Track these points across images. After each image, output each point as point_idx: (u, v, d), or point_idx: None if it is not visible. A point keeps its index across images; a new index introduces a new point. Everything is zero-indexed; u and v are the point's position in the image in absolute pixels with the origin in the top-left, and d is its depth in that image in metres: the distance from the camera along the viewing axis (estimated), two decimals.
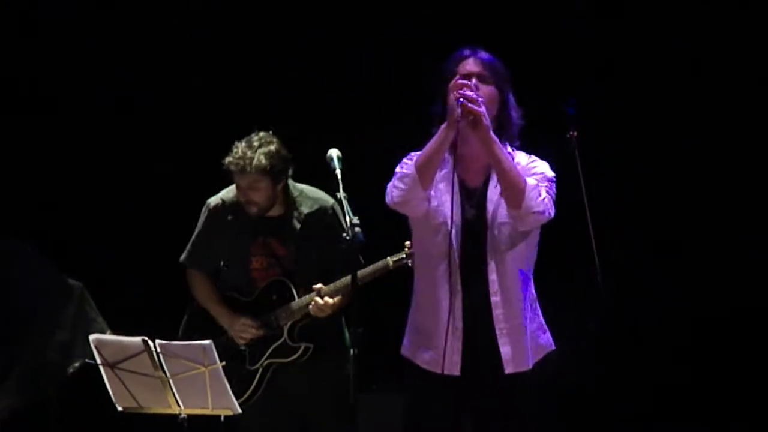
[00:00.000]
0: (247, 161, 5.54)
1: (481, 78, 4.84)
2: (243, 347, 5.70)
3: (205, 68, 7.36)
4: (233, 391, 5.39)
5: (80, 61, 7.35)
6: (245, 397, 5.63)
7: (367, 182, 5.16)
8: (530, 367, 4.85)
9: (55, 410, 6.35)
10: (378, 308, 5.51)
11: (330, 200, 5.72)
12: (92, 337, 5.19)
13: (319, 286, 5.55)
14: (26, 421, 6.27)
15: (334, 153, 5.30)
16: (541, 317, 4.95)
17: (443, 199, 4.88)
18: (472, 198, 4.90)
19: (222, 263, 5.82)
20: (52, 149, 7.36)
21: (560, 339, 4.98)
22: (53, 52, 7.34)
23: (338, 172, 5.22)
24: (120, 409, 5.22)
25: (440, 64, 4.93)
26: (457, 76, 4.80)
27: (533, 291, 4.93)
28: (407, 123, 5.18)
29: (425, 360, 4.93)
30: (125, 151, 7.38)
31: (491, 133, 4.72)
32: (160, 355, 5.06)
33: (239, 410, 5.13)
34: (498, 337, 4.82)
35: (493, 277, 4.82)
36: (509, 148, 4.88)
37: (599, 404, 6.44)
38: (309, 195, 5.74)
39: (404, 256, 5.36)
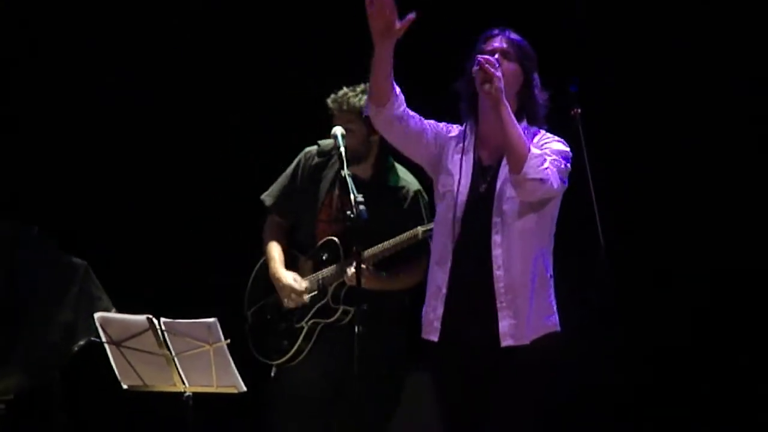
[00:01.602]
0: (346, 99, 5.64)
1: (504, 54, 4.89)
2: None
3: (203, 68, 7.36)
4: (281, 348, 5.60)
5: (80, 53, 7.37)
6: (292, 353, 5.67)
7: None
8: (528, 342, 4.83)
9: (60, 389, 6.36)
10: None
11: (416, 186, 5.75)
12: (97, 315, 5.22)
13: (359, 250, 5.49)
14: (32, 400, 6.29)
15: (338, 131, 5.37)
16: (551, 298, 4.92)
17: (455, 170, 4.92)
18: (485, 174, 4.92)
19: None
20: (53, 133, 7.36)
21: (563, 316, 4.97)
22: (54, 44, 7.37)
23: (342, 149, 5.28)
24: (125, 387, 5.25)
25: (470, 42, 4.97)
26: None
27: (546, 270, 4.90)
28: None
29: (428, 327, 4.96)
30: (129, 134, 7.38)
31: (503, 96, 4.73)
32: (165, 333, 5.09)
33: (244, 388, 5.15)
34: (498, 310, 4.82)
35: (497, 251, 4.82)
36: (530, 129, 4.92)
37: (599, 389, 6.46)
38: (399, 173, 5.75)
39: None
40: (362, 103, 5.55)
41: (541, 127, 4.96)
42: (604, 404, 6.49)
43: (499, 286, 4.83)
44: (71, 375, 6.38)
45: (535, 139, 4.90)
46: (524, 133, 4.83)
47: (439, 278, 4.91)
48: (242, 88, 7.30)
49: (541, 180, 4.74)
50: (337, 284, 5.66)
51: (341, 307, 5.65)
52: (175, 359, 5.11)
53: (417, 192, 5.75)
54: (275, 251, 5.84)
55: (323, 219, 5.77)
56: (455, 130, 5.05)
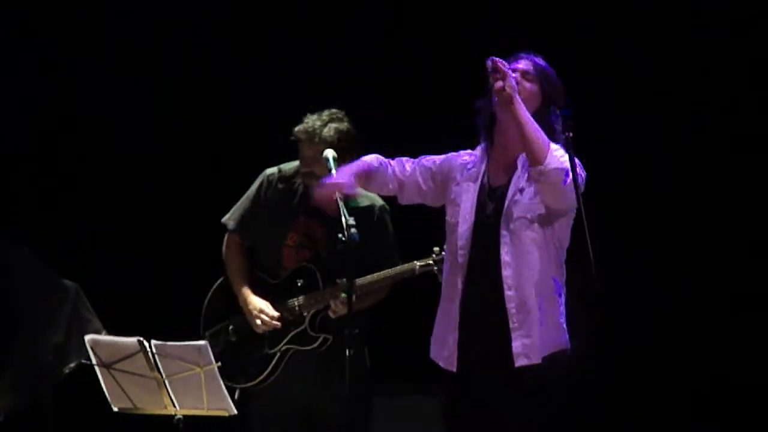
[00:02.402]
0: (317, 131, 5.63)
1: (524, 74, 4.95)
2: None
3: (201, 67, 7.37)
4: (249, 372, 5.57)
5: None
6: (260, 379, 5.66)
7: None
8: (539, 361, 4.84)
9: (51, 411, 6.33)
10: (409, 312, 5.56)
11: (380, 201, 5.77)
12: (88, 337, 5.21)
13: (342, 281, 5.57)
14: (22, 423, 6.26)
15: (329, 154, 5.36)
16: (562, 317, 4.92)
17: (459, 198, 4.96)
18: (492, 196, 4.95)
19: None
20: (45, 149, 7.36)
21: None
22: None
23: (334, 173, 5.28)
24: (116, 409, 5.24)
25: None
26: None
27: (556, 288, 4.91)
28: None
29: (443, 359, 4.95)
30: (120, 153, 7.39)
31: (515, 93, 4.76)
32: (156, 356, 5.08)
33: (234, 411, 5.14)
34: (511, 330, 4.83)
35: (507, 272, 4.84)
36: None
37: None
38: (363, 192, 5.72)
39: (431, 262, 5.42)
40: (332, 133, 5.60)
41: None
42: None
43: (511, 306, 4.85)
44: (62, 397, 6.35)
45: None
46: None
47: (451, 305, 4.92)
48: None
49: (563, 170, 4.74)
50: (315, 311, 5.66)
51: (321, 336, 5.65)
52: (166, 382, 5.10)
53: (382, 207, 5.77)
54: (241, 274, 5.83)
55: (289, 244, 5.77)
56: (465, 155, 5.06)
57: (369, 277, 5.55)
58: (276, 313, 5.69)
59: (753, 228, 6.79)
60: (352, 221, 4.94)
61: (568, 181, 4.73)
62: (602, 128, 6.59)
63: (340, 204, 5.07)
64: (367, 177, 5.05)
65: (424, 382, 5.44)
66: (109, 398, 5.20)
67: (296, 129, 5.68)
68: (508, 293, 4.83)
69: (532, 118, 4.79)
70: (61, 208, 7.30)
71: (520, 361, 4.82)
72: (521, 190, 4.91)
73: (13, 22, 7.41)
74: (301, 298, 5.69)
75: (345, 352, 5.04)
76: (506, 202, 4.90)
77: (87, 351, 5.17)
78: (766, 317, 6.75)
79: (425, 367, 5.08)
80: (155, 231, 7.25)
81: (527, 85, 4.93)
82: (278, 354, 5.68)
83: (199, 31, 7.41)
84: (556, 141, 4.90)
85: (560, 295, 4.92)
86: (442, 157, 5.11)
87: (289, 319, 5.69)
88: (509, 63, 4.94)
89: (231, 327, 5.79)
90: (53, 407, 6.32)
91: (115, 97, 7.39)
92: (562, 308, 4.93)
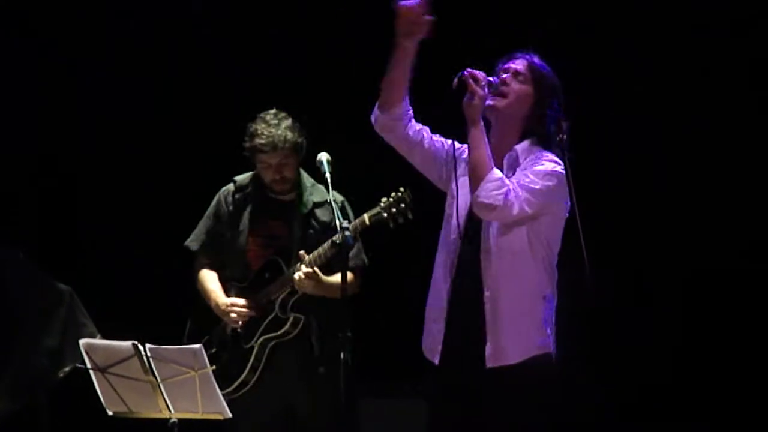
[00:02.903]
0: (278, 139, 5.65)
1: (517, 75, 4.89)
2: (239, 329, 5.71)
3: (199, 68, 7.37)
4: (230, 374, 5.57)
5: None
6: (243, 377, 5.67)
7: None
8: (512, 363, 4.79)
9: (46, 415, 6.34)
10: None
11: (340, 198, 5.76)
12: (82, 341, 5.19)
13: (302, 253, 5.58)
14: (17, 427, 6.26)
15: (323, 157, 5.37)
16: (545, 320, 4.86)
17: (460, 191, 4.90)
18: None
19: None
20: (42, 151, 7.36)
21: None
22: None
23: (328, 175, 5.29)
24: (110, 413, 5.22)
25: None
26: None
27: (541, 291, 4.86)
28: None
29: (427, 349, 4.95)
30: (117, 155, 7.39)
31: (478, 114, 4.74)
32: (150, 359, 5.06)
33: (229, 414, 5.12)
34: (486, 331, 4.80)
35: (486, 273, 4.82)
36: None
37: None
38: (320, 188, 5.78)
39: (379, 210, 5.38)
40: (290, 135, 5.66)
41: (545, 149, 4.89)
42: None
43: (487, 307, 4.81)
44: (57, 401, 6.36)
45: (529, 158, 4.86)
46: (524, 153, 4.82)
47: (440, 298, 4.90)
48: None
49: (490, 206, 4.70)
50: (284, 295, 5.66)
51: (291, 316, 5.65)
52: (161, 385, 5.09)
53: (342, 203, 5.78)
54: (209, 283, 5.86)
55: (253, 248, 5.80)
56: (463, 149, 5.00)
57: (325, 247, 5.55)
58: (246, 302, 5.71)
59: (753, 228, 6.78)
60: (346, 224, 5.01)
61: (495, 215, 4.72)
62: (602, 128, 6.59)
63: (335, 207, 5.10)
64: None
65: (412, 383, 5.41)
66: (103, 402, 5.18)
67: (254, 143, 5.69)
68: (486, 294, 4.81)
69: (482, 143, 4.74)
70: (56, 211, 7.30)
71: (490, 363, 4.79)
72: None
73: (13, 22, 7.40)
74: (269, 287, 5.71)
75: (338, 356, 5.01)
76: None
77: (82, 355, 5.15)
78: (764, 319, 6.74)
79: (414, 367, 5.08)
80: (151, 234, 7.25)
81: (516, 86, 4.87)
82: (256, 348, 5.68)
83: (199, 31, 7.40)
84: (550, 142, 4.87)
85: (545, 298, 4.87)
86: (454, 144, 5.02)
87: (262, 308, 5.70)
88: (506, 62, 4.91)
89: (212, 338, 5.80)
90: (48, 411, 6.33)
91: (115, 97, 7.38)
92: (548, 310, 4.87)
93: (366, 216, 5.44)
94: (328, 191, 5.25)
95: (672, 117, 6.83)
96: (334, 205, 5.12)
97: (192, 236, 5.93)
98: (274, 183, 5.74)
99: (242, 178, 5.89)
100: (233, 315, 5.71)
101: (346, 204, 5.80)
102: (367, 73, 7.03)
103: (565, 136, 4.88)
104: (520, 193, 4.72)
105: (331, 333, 5.47)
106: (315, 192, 5.80)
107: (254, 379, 5.69)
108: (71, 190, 7.39)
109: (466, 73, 4.76)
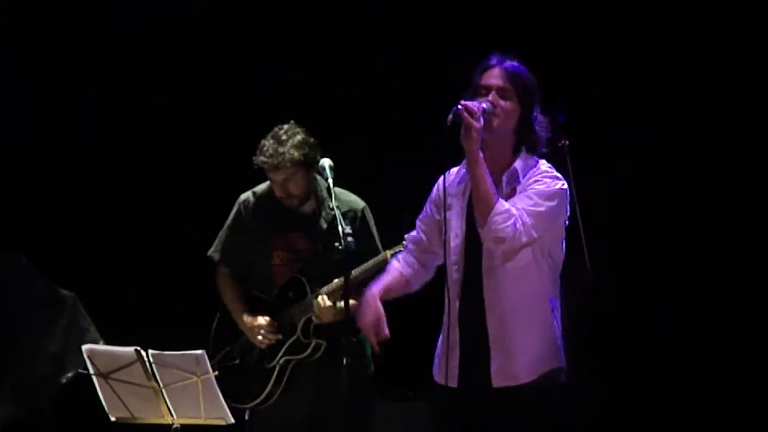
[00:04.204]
0: (280, 157, 5.59)
1: (501, 92, 4.79)
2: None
3: (199, 70, 7.36)
4: (253, 391, 5.61)
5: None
6: (264, 395, 5.68)
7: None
8: (520, 382, 4.77)
9: (48, 421, 6.35)
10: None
11: (361, 204, 5.76)
12: (85, 347, 5.20)
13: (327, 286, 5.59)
14: None
15: (326, 163, 5.35)
16: (555, 334, 4.83)
17: (453, 212, 4.87)
18: None
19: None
20: (41, 160, 7.36)
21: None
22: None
23: (330, 181, 5.28)
24: (113, 419, 5.24)
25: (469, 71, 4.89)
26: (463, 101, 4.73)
27: (548, 305, 4.82)
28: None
29: (436, 372, 4.94)
30: (118, 159, 7.38)
31: (476, 147, 4.66)
32: (153, 365, 5.07)
33: (232, 420, 5.13)
34: (491, 351, 4.78)
35: (487, 294, 4.78)
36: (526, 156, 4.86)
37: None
38: (341, 197, 5.70)
39: (402, 249, 5.35)
40: (295, 153, 5.58)
41: (536, 153, 4.86)
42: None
43: (491, 328, 4.78)
44: (60, 406, 6.36)
45: (528, 175, 4.82)
46: (522, 165, 4.78)
47: (449, 321, 4.86)
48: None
49: (500, 239, 4.67)
50: (305, 319, 5.67)
51: (313, 341, 5.66)
52: (163, 391, 5.10)
53: (363, 210, 5.76)
54: (236, 300, 5.86)
55: (277, 263, 5.79)
56: (454, 174, 4.93)
57: (337, 281, 5.53)
58: (271, 323, 5.72)
59: (753, 228, 6.79)
60: (348, 230, 4.99)
61: (505, 246, 4.68)
62: (602, 128, 6.59)
63: (337, 213, 5.09)
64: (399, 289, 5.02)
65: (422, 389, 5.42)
66: (106, 408, 5.19)
67: (258, 160, 5.65)
68: (489, 315, 4.77)
69: (485, 177, 4.67)
70: (58, 216, 7.29)
71: (497, 383, 4.76)
72: None
73: (13, 22, 7.39)
74: (292, 308, 5.71)
75: (342, 360, 5.04)
76: None
77: (84, 360, 5.16)
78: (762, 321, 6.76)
79: (424, 372, 5.07)
80: (154, 239, 7.24)
81: (503, 103, 4.77)
82: (277, 368, 5.69)
83: (199, 31, 7.39)
84: (540, 149, 4.84)
85: (553, 312, 4.83)
86: (433, 193, 4.99)
87: (286, 330, 5.70)
88: (482, 75, 4.81)
89: (234, 350, 5.81)
90: (51, 417, 6.34)
91: (116, 98, 7.38)
92: (557, 324, 4.84)
93: (389, 252, 5.48)
94: (331, 198, 5.24)
95: (672, 117, 6.83)
96: (337, 213, 5.10)
97: (214, 246, 5.91)
98: (281, 199, 5.73)
99: (261, 188, 5.86)
100: (260, 338, 5.72)
101: (366, 211, 5.78)
102: (370, 75, 7.15)
103: (567, 142, 4.87)
104: (527, 220, 4.68)
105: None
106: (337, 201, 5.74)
107: (275, 396, 5.70)
108: (73, 193, 7.37)
109: (460, 107, 4.66)
